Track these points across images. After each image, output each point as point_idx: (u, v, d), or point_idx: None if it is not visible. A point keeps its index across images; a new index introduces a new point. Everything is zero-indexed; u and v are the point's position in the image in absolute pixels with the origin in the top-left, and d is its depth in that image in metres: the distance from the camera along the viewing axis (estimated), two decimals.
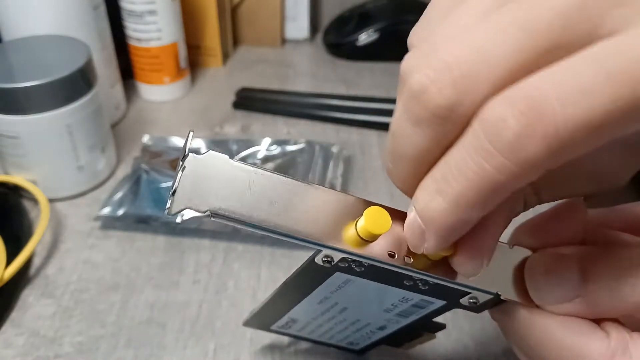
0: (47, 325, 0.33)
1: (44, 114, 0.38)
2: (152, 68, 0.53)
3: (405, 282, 0.19)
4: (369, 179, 0.45)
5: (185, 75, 0.56)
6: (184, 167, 0.17)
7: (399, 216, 0.18)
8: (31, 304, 0.34)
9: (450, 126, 0.15)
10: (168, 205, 0.17)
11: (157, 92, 0.55)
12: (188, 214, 0.17)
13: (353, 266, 0.19)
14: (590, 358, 0.18)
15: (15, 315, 0.33)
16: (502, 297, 0.19)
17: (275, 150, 0.45)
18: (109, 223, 0.40)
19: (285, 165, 0.43)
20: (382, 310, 0.23)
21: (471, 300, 0.20)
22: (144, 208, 0.39)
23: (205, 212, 0.17)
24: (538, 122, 0.13)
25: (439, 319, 0.23)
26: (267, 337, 0.32)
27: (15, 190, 0.42)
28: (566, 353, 0.18)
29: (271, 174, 0.18)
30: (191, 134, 0.17)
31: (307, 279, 0.21)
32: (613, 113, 0.13)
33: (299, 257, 0.37)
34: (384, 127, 0.49)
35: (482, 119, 0.14)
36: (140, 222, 0.39)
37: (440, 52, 0.14)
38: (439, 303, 0.21)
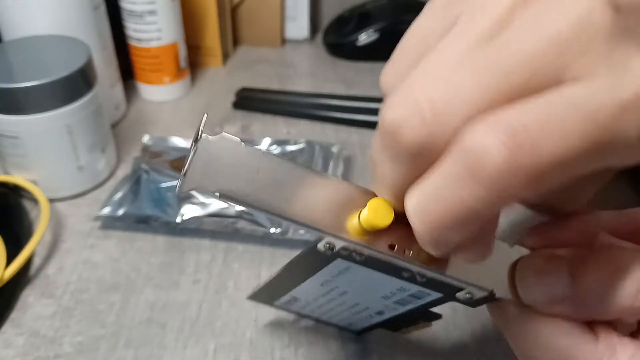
0: (47, 325, 0.33)
1: (44, 114, 0.38)
2: (152, 68, 0.53)
3: (403, 273, 0.20)
4: (369, 179, 0.45)
5: (185, 75, 0.56)
6: (197, 148, 0.17)
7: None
8: (31, 304, 0.34)
9: (423, 160, 0.15)
10: (179, 184, 0.17)
11: (157, 92, 0.55)
12: (196, 194, 0.17)
13: (354, 254, 0.19)
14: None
15: (15, 315, 0.33)
16: (496, 296, 0.19)
17: (275, 150, 0.45)
18: (109, 223, 0.40)
19: None
20: (380, 297, 0.23)
21: (467, 295, 0.20)
22: (144, 208, 0.39)
23: (214, 192, 0.17)
24: (520, 154, 0.13)
25: (436, 309, 0.23)
26: (267, 338, 0.32)
27: (15, 190, 0.42)
28: (553, 354, 0.18)
29: (281, 159, 0.18)
30: (205, 116, 0.18)
31: (310, 262, 0.22)
32: (587, 148, 0.13)
33: None
34: None
35: (462, 147, 0.14)
36: (140, 222, 0.39)
37: (414, 92, 0.15)
38: (436, 295, 0.21)
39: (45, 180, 0.41)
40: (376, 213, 0.18)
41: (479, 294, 0.20)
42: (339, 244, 0.19)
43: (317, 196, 0.18)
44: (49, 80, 0.37)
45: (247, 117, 0.52)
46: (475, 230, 0.16)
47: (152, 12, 0.50)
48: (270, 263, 0.37)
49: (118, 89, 0.51)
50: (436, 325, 0.32)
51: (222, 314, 0.34)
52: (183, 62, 0.55)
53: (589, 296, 0.18)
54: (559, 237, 0.20)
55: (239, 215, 0.38)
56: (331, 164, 0.43)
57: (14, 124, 0.38)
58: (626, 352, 0.18)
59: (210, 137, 0.17)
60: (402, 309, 0.24)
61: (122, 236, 0.39)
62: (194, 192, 0.17)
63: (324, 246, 0.19)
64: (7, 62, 0.40)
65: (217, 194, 0.17)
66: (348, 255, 0.19)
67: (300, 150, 0.44)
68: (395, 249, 0.18)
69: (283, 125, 0.51)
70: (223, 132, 0.18)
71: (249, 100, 0.54)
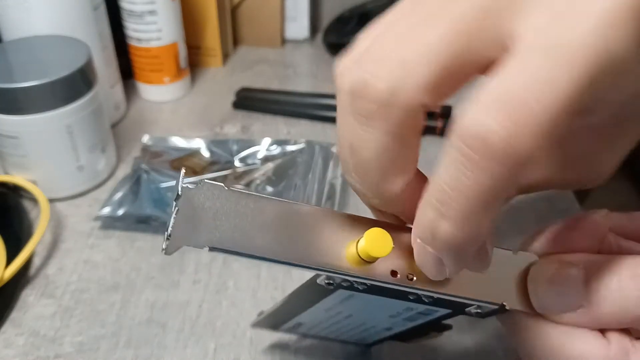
0: (47, 325, 0.33)
1: (44, 114, 0.38)
2: (152, 68, 0.53)
3: (409, 296, 0.19)
4: None
5: (185, 75, 0.56)
6: (178, 207, 0.16)
7: (400, 232, 0.18)
8: (31, 304, 0.34)
9: (398, 114, 0.16)
10: (164, 245, 0.16)
11: (157, 92, 0.55)
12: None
13: (355, 285, 0.19)
14: None
15: (15, 315, 0.33)
16: (507, 307, 0.19)
17: (275, 150, 0.45)
18: (109, 223, 0.40)
19: (285, 166, 0.43)
20: (387, 316, 0.23)
21: (476, 311, 0.19)
22: (144, 208, 0.39)
23: (202, 247, 0.16)
24: (522, 121, 0.13)
25: (447, 320, 0.23)
26: (267, 338, 0.32)
27: (15, 190, 0.42)
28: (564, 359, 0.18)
29: (268, 198, 0.17)
30: (183, 171, 0.17)
31: (311, 294, 0.21)
32: (578, 89, 0.13)
33: None
34: None
35: (462, 134, 0.14)
36: (141, 222, 0.39)
37: (371, 54, 0.16)
38: (445, 311, 0.21)
39: (45, 180, 0.41)
40: (374, 244, 0.17)
41: (489, 308, 0.19)
42: (339, 279, 0.18)
43: (311, 230, 0.18)
44: (49, 80, 0.37)
45: (247, 117, 0.52)
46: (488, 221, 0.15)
47: (152, 12, 0.50)
48: (270, 263, 0.37)
49: (118, 89, 0.51)
50: None
51: (222, 314, 0.33)
52: (183, 62, 0.55)
53: (604, 305, 0.17)
54: (569, 240, 0.20)
55: None
56: (331, 164, 0.43)
57: (14, 124, 0.38)
58: (639, 356, 0.17)
59: (191, 186, 0.17)
60: (411, 324, 0.24)
61: (122, 236, 0.39)
62: (177, 250, 0.17)
63: (325, 282, 0.18)
64: (7, 62, 0.40)
65: (207, 248, 0.16)
66: (349, 286, 0.19)
67: (300, 150, 0.44)
68: (398, 276, 0.18)
69: (283, 125, 0.51)
70: (205, 180, 0.17)
71: (249, 100, 0.54)
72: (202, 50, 0.61)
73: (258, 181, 0.41)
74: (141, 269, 0.36)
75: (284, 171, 0.42)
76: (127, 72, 0.54)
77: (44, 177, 0.41)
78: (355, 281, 0.18)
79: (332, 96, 0.54)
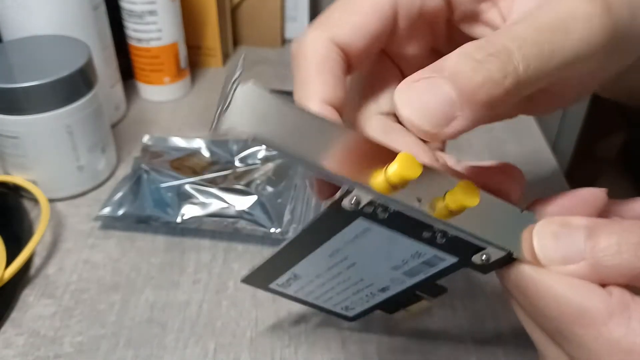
0: (47, 325, 0.33)
1: (44, 114, 0.38)
2: (152, 68, 0.53)
3: (424, 233, 0.20)
4: None
5: (185, 75, 0.56)
6: (235, 89, 0.17)
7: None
8: (31, 304, 0.34)
9: None
10: (214, 124, 0.17)
11: (157, 92, 0.55)
12: (232, 132, 0.17)
13: (378, 211, 0.19)
14: (589, 314, 0.18)
15: (15, 315, 0.33)
16: (513, 256, 0.20)
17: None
18: (109, 223, 0.40)
19: (285, 166, 0.43)
20: (390, 268, 0.23)
21: (483, 258, 0.20)
22: (144, 208, 0.39)
23: (249, 134, 0.17)
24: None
25: (442, 282, 0.23)
26: (267, 338, 0.32)
27: (15, 190, 0.42)
28: (566, 309, 0.19)
29: (310, 111, 0.18)
30: (243, 55, 0.18)
31: (327, 225, 0.21)
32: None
33: None
34: None
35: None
36: (141, 222, 0.39)
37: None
38: (450, 260, 0.21)
39: (45, 180, 0.41)
40: (407, 165, 0.18)
41: (497, 256, 0.20)
42: (366, 199, 0.19)
43: (344, 150, 0.18)
44: (49, 80, 0.37)
45: None
46: None
47: (152, 12, 0.50)
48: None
49: (118, 89, 0.51)
50: (436, 325, 0.33)
51: (222, 314, 0.34)
52: (183, 62, 0.55)
53: (604, 259, 0.18)
54: (569, 207, 0.21)
55: (239, 215, 0.38)
56: None
57: (14, 124, 0.38)
58: (639, 308, 0.18)
59: (245, 83, 0.17)
60: (409, 282, 0.24)
61: (122, 236, 0.39)
62: (226, 133, 0.17)
63: (350, 201, 0.19)
64: (7, 62, 0.40)
65: (252, 136, 0.17)
66: (371, 212, 0.19)
67: None
68: (421, 202, 0.19)
69: None
70: (254, 81, 0.18)
71: None
72: (202, 50, 0.61)
73: (258, 181, 0.41)
74: (141, 269, 0.36)
75: (284, 171, 0.42)
76: (127, 72, 0.54)
77: (44, 177, 0.41)
78: (380, 205, 0.19)
79: None
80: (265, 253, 0.37)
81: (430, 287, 0.24)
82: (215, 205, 0.38)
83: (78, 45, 0.41)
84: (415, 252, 0.21)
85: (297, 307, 0.34)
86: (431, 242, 0.20)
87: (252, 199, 0.38)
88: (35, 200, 0.40)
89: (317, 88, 0.21)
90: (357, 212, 0.19)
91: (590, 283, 0.19)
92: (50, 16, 0.43)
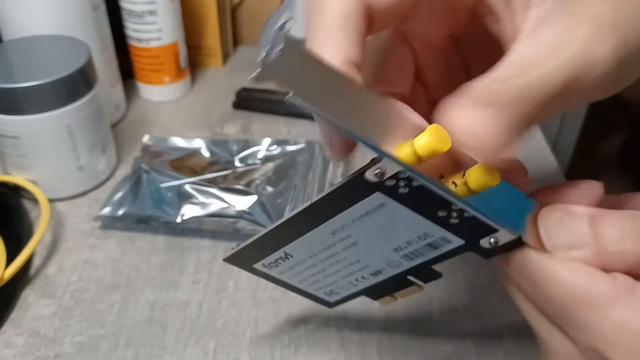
0: (47, 325, 0.33)
1: (44, 114, 0.38)
2: (152, 68, 0.53)
3: (439, 212, 0.20)
4: None
5: (185, 75, 0.56)
6: (288, 42, 0.17)
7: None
8: (31, 304, 0.34)
9: None
10: (260, 70, 0.16)
11: (157, 92, 0.55)
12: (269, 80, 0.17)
13: (400, 185, 0.19)
14: (596, 297, 0.18)
15: (15, 315, 0.33)
16: (523, 239, 0.20)
17: (276, 150, 0.45)
18: (109, 223, 0.40)
19: (285, 166, 0.43)
20: (390, 249, 0.23)
21: (492, 241, 0.20)
22: (144, 208, 0.39)
23: (289, 89, 0.17)
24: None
25: (437, 267, 0.23)
26: (267, 338, 0.32)
27: (15, 190, 0.42)
28: (572, 293, 0.19)
29: (347, 77, 0.18)
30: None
31: (339, 199, 0.21)
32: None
33: None
34: None
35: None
36: (141, 222, 0.39)
37: None
38: (457, 243, 0.21)
39: (45, 180, 0.41)
40: (438, 137, 0.17)
41: (505, 239, 0.20)
42: (392, 170, 0.18)
43: (376, 119, 0.18)
44: (49, 80, 0.37)
45: (247, 117, 0.52)
46: None
47: (152, 12, 0.50)
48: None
49: (118, 89, 0.51)
50: (436, 324, 0.33)
51: (222, 314, 0.34)
52: (183, 62, 0.55)
53: (607, 245, 0.19)
54: (568, 196, 0.21)
55: (239, 215, 0.38)
56: (331, 164, 0.43)
57: (14, 124, 0.38)
58: None
59: (292, 37, 0.17)
60: (405, 266, 0.23)
61: (122, 236, 0.39)
62: (268, 81, 0.17)
63: (374, 173, 0.18)
64: (7, 62, 0.40)
65: (290, 93, 0.17)
66: (392, 186, 0.19)
67: (301, 150, 0.44)
68: (444, 179, 0.18)
69: (283, 125, 0.51)
70: (299, 38, 0.18)
71: (249, 100, 0.54)
72: (202, 50, 0.61)
73: (258, 181, 0.41)
74: (141, 269, 0.36)
75: (284, 171, 0.42)
76: (127, 72, 0.54)
77: (44, 177, 0.41)
78: (403, 178, 0.18)
79: None
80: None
81: (425, 272, 0.23)
82: (215, 205, 0.38)
83: (78, 45, 0.41)
84: (423, 232, 0.21)
85: (298, 307, 0.34)
86: (444, 222, 0.20)
87: (252, 199, 0.38)
88: (35, 200, 0.40)
89: (340, 46, 0.20)
90: (377, 185, 0.19)
91: (595, 268, 0.19)
92: (50, 16, 0.43)
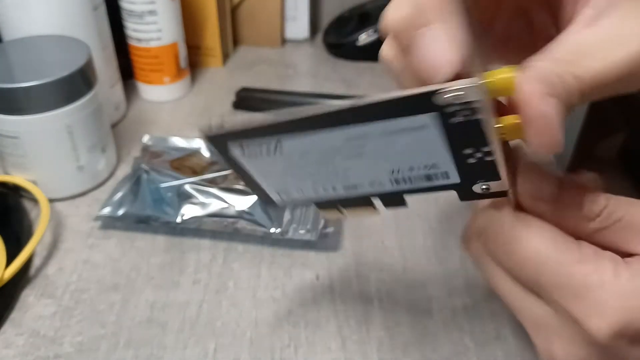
0: (47, 325, 0.33)
1: (44, 114, 0.38)
2: (152, 68, 0.53)
3: (468, 149, 0.20)
4: None
5: (185, 75, 0.56)
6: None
7: None
8: (31, 304, 0.34)
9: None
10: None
11: (157, 92, 0.55)
12: None
13: (458, 114, 0.18)
14: (564, 254, 0.20)
15: (15, 315, 0.33)
16: (507, 192, 0.21)
17: None
18: (109, 223, 0.40)
19: None
20: (388, 170, 0.22)
21: (483, 187, 0.21)
22: (144, 208, 0.39)
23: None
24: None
25: (407, 198, 0.23)
26: (267, 338, 0.32)
27: (15, 190, 0.42)
28: (540, 256, 0.21)
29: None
30: None
31: (393, 109, 0.19)
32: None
33: (299, 257, 0.37)
34: None
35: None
36: (140, 222, 0.39)
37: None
38: (452, 180, 0.21)
39: (45, 180, 0.41)
40: (511, 78, 0.18)
41: (499, 188, 0.21)
42: (472, 97, 0.17)
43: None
44: (49, 80, 0.37)
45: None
46: None
47: (152, 12, 0.50)
48: (270, 263, 0.37)
49: (118, 89, 0.51)
50: (436, 325, 0.32)
51: (222, 314, 0.34)
52: (183, 62, 0.55)
53: (570, 201, 0.21)
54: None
55: (239, 215, 0.38)
56: None
57: (14, 124, 0.38)
58: (610, 258, 0.20)
59: None
60: (386, 189, 0.23)
61: (122, 236, 0.39)
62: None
63: (450, 95, 0.18)
64: (7, 62, 0.40)
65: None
66: (450, 113, 0.18)
67: None
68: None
69: None
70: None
71: (249, 101, 0.54)
72: (202, 50, 0.61)
73: None
74: (141, 269, 0.36)
75: None
76: (127, 72, 0.54)
77: (44, 177, 0.41)
78: (471, 109, 0.18)
79: (332, 96, 0.54)
80: (264, 251, 0.37)
81: (394, 199, 0.23)
82: (215, 205, 0.38)
83: (78, 45, 0.41)
84: (433, 163, 0.20)
85: (298, 307, 0.34)
86: (462, 159, 0.20)
87: (252, 199, 0.38)
88: (35, 200, 0.40)
89: (451, 28, 0.20)
90: (438, 107, 0.18)
91: (564, 234, 0.21)
92: (50, 16, 0.43)
